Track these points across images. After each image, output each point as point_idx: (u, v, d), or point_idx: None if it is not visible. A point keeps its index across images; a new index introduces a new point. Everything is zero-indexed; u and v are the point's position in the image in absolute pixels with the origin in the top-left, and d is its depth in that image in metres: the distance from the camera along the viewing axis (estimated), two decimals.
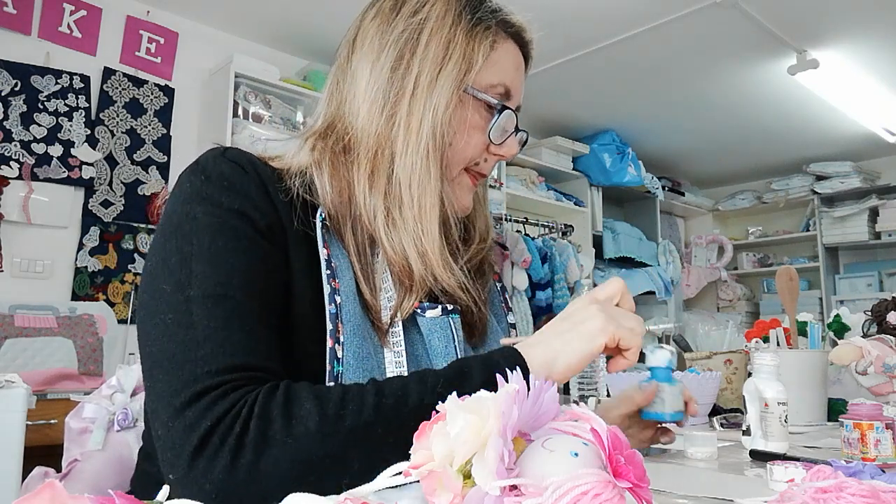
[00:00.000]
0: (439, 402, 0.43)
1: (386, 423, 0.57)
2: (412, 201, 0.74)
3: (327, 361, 0.67)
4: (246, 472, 0.53)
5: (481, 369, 0.63)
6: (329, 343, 0.67)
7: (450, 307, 0.78)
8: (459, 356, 0.75)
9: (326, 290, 0.69)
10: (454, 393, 0.43)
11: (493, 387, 0.43)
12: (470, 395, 0.43)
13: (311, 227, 0.72)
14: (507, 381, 0.43)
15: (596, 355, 0.67)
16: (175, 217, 0.65)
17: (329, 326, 0.68)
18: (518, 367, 0.47)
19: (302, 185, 0.73)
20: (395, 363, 0.71)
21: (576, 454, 0.39)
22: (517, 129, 0.82)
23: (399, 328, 0.73)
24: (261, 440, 0.54)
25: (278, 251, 0.68)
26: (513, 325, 0.94)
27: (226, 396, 0.56)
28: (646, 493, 0.39)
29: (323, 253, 0.71)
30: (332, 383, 0.66)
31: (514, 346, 0.67)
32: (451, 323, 0.77)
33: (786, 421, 0.97)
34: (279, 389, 0.58)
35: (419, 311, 0.76)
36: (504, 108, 0.78)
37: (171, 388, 0.57)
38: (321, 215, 0.72)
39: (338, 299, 0.70)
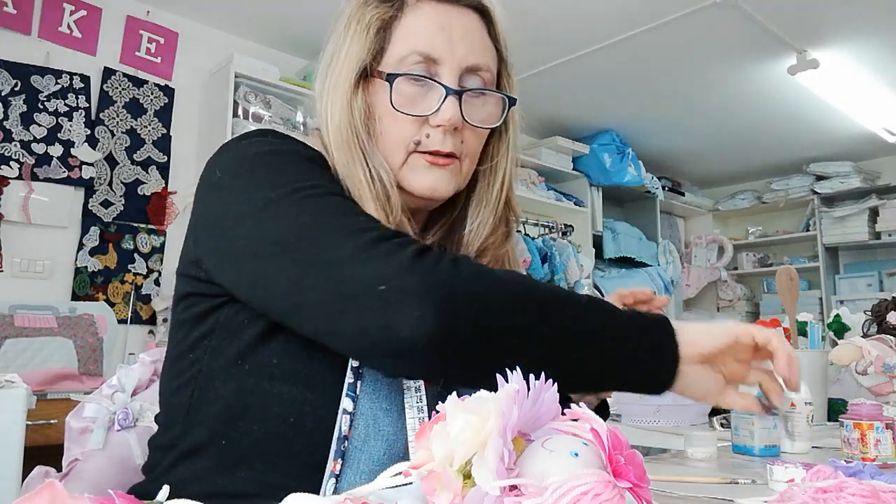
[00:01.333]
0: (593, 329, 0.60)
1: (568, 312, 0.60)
2: (349, 191, 0.72)
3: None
4: (468, 274, 0.58)
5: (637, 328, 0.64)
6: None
7: None
8: None
9: None
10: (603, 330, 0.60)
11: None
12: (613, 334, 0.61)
13: None
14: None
15: (732, 342, 0.66)
16: (247, 161, 0.68)
17: None
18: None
19: None
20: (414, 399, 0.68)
21: (576, 454, 0.40)
22: (456, 91, 0.73)
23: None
24: (474, 268, 0.60)
25: None
26: None
27: (414, 242, 0.60)
28: (646, 493, 0.39)
29: None
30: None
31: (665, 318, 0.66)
32: None
33: (812, 421, 0.98)
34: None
35: None
36: (392, 77, 0.72)
37: (350, 229, 0.60)
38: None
39: None
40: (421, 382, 0.66)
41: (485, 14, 0.80)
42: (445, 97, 0.73)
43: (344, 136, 0.73)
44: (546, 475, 0.38)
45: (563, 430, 0.42)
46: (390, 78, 0.72)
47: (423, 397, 0.66)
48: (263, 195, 0.63)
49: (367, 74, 0.74)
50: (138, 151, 2.87)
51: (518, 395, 0.41)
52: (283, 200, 0.62)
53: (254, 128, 0.76)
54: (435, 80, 0.73)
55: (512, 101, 0.80)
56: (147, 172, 2.88)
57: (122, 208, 2.79)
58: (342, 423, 0.62)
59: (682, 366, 0.63)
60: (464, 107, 0.74)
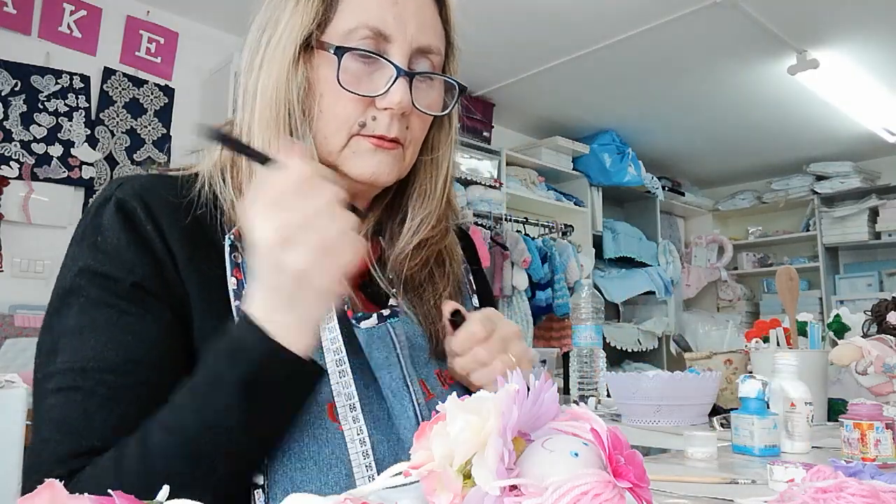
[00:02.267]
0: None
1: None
2: None
3: None
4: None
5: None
6: None
7: (386, 312, 0.72)
8: (403, 365, 0.69)
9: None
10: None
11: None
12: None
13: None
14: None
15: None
16: (58, 285, 0.63)
17: None
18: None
19: (214, 191, 0.67)
20: (340, 383, 0.64)
21: (576, 454, 0.39)
22: (408, 74, 0.67)
23: (338, 343, 0.65)
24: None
25: (156, 309, 0.61)
26: (478, 309, 0.83)
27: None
28: (646, 493, 0.39)
29: (231, 282, 0.64)
30: None
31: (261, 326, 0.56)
32: (390, 330, 0.70)
33: (812, 421, 0.98)
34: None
35: (354, 321, 0.69)
36: (342, 51, 0.65)
37: (40, 462, 0.56)
38: (229, 236, 0.65)
39: None
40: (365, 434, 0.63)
41: None
42: (396, 78, 0.66)
43: (273, 113, 0.66)
44: (546, 475, 0.38)
45: (562, 430, 0.42)
46: (339, 52, 0.65)
47: (370, 451, 0.62)
48: (40, 362, 0.61)
49: (308, 46, 0.67)
50: (138, 151, 2.87)
51: (518, 395, 0.40)
52: (38, 386, 0.60)
53: None
54: (386, 59, 0.67)
55: (462, 89, 0.74)
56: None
57: None
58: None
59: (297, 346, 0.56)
60: (413, 91, 0.68)
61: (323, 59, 0.67)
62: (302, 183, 0.54)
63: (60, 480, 0.47)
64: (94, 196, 0.67)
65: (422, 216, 0.75)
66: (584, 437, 0.40)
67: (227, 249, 0.65)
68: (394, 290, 0.74)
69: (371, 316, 0.70)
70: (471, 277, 0.85)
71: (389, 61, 0.66)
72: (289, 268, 0.53)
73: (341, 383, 0.63)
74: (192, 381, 0.56)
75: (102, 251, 0.62)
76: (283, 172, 0.55)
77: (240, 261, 0.66)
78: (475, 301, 0.84)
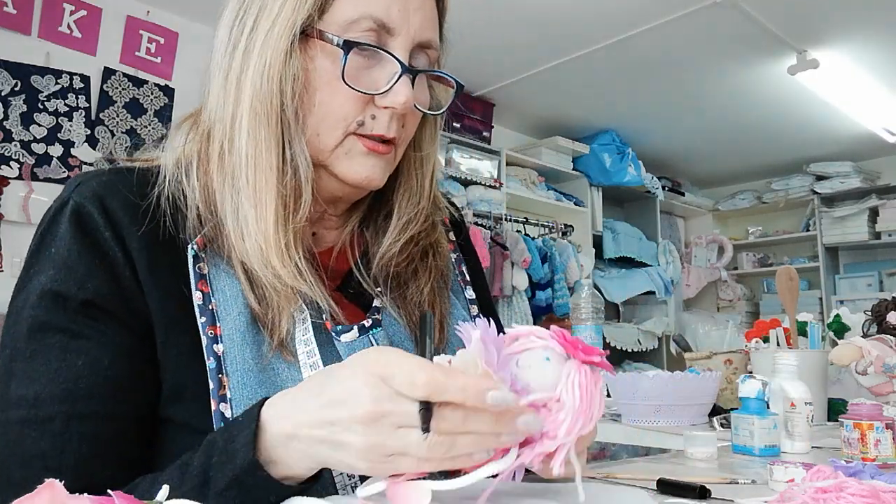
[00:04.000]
0: None
1: None
2: (247, 181, 0.61)
3: (214, 425, 0.57)
4: None
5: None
6: (213, 405, 0.57)
7: (368, 323, 0.67)
8: None
9: (204, 341, 0.58)
10: None
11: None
12: None
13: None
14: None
15: None
16: (14, 293, 0.60)
17: (211, 385, 0.58)
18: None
19: (177, 190, 0.63)
20: None
21: (547, 358, 0.48)
22: (412, 71, 0.63)
23: (315, 358, 0.61)
24: None
25: (112, 328, 0.58)
26: (473, 301, 0.79)
27: None
28: (605, 362, 0.50)
29: (196, 296, 0.60)
30: None
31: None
32: (372, 341, 0.65)
33: (812, 421, 0.98)
34: None
35: (334, 334, 0.64)
36: (349, 45, 0.60)
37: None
38: (192, 246, 0.61)
39: (219, 349, 0.59)
40: None
41: None
42: (400, 76, 0.62)
43: (265, 109, 0.60)
44: (541, 383, 0.47)
45: (517, 350, 0.49)
46: (346, 45, 0.60)
47: None
48: None
49: (304, 34, 0.61)
50: (138, 152, 2.86)
51: (485, 335, 0.47)
52: None
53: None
54: (391, 55, 0.62)
55: (460, 87, 0.70)
56: None
57: None
58: None
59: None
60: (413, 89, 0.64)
61: (321, 49, 0.62)
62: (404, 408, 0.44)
63: None
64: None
65: (409, 215, 0.71)
66: (539, 344, 0.49)
67: (190, 261, 0.61)
68: (378, 289, 0.70)
69: (352, 328, 0.65)
70: (463, 268, 0.82)
71: (395, 57, 0.62)
72: (345, 466, 0.47)
73: None
74: (185, 465, 0.52)
75: (54, 265, 0.58)
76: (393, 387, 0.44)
77: (206, 272, 0.61)
78: (469, 293, 0.80)
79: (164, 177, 0.64)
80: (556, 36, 3.12)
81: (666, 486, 0.70)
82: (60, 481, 0.50)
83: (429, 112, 0.68)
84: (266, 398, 0.51)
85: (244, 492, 0.49)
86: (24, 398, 0.55)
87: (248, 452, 0.48)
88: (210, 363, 0.58)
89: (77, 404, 0.55)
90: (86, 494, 0.37)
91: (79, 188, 0.61)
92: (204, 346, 0.59)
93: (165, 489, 0.41)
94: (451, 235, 0.83)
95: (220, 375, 0.58)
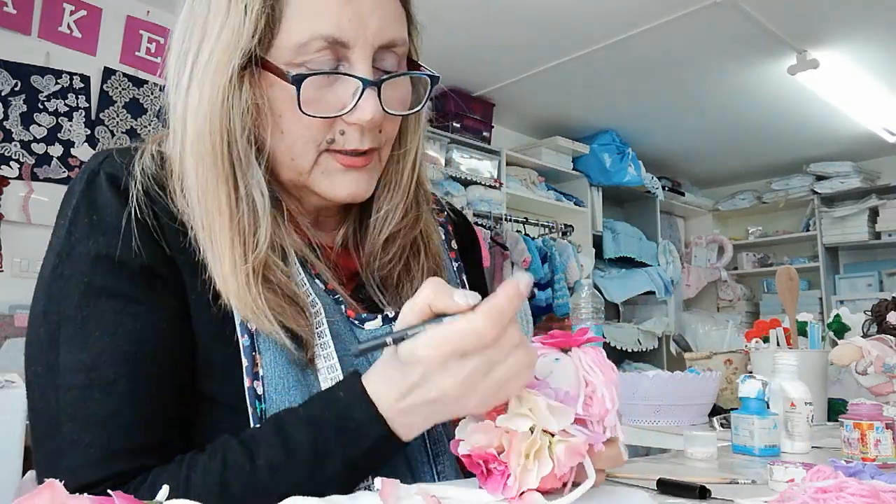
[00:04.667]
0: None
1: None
2: (200, 224, 0.60)
3: (248, 402, 0.58)
4: None
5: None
6: (247, 382, 0.59)
7: (391, 313, 0.68)
8: None
9: (237, 318, 0.60)
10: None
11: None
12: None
13: None
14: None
15: None
16: (48, 268, 0.59)
17: (245, 362, 0.59)
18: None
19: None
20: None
21: (557, 360, 0.56)
22: (375, 82, 0.60)
23: (328, 350, 0.62)
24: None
25: (163, 294, 0.59)
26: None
27: None
28: (591, 335, 0.59)
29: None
30: (257, 425, 0.58)
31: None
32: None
33: (812, 421, 0.98)
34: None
35: (356, 322, 0.66)
36: (298, 79, 0.58)
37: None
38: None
39: (252, 326, 0.60)
40: None
41: None
42: (363, 91, 0.60)
43: (207, 147, 0.59)
44: (569, 382, 0.55)
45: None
46: (297, 80, 0.58)
47: None
48: (36, 354, 0.59)
49: (250, 64, 0.59)
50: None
51: None
52: (40, 380, 0.58)
53: None
54: (348, 74, 0.60)
55: (435, 80, 0.67)
56: None
57: None
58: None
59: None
60: (381, 94, 0.61)
61: (273, 79, 0.60)
62: (489, 333, 0.49)
63: (109, 482, 0.49)
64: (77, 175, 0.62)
65: (386, 208, 0.70)
66: (544, 350, 0.58)
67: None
68: (382, 296, 0.71)
69: (376, 317, 0.67)
70: (464, 277, 0.81)
71: (352, 75, 0.60)
72: (457, 409, 0.52)
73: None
74: (289, 443, 0.53)
75: (104, 231, 0.58)
76: (469, 322, 0.49)
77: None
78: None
79: (146, 155, 0.64)
80: (556, 36, 3.12)
81: (666, 486, 0.70)
82: (131, 441, 0.54)
83: (404, 113, 0.66)
84: (354, 376, 0.55)
85: (370, 463, 0.54)
86: (81, 362, 0.55)
87: (379, 427, 0.52)
88: (244, 340, 0.59)
89: (139, 366, 0.56)
90: (86, 494, 0.37)
91: (107, 160, 0.62)
92: (237, 323, 0.60)
93: (165, 489, 0.41)
94: (454, 244, 0.82)
95: (253, 353, 0.59)
